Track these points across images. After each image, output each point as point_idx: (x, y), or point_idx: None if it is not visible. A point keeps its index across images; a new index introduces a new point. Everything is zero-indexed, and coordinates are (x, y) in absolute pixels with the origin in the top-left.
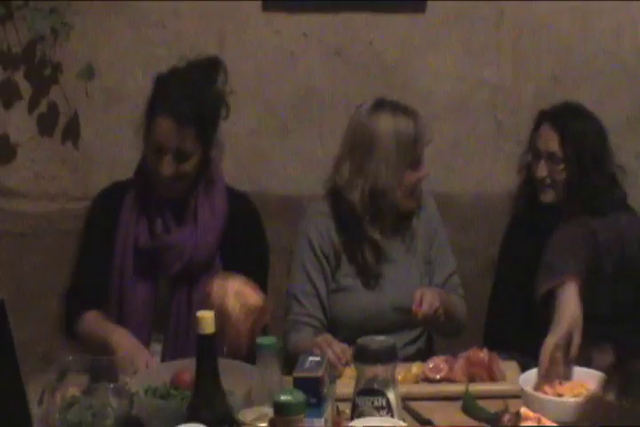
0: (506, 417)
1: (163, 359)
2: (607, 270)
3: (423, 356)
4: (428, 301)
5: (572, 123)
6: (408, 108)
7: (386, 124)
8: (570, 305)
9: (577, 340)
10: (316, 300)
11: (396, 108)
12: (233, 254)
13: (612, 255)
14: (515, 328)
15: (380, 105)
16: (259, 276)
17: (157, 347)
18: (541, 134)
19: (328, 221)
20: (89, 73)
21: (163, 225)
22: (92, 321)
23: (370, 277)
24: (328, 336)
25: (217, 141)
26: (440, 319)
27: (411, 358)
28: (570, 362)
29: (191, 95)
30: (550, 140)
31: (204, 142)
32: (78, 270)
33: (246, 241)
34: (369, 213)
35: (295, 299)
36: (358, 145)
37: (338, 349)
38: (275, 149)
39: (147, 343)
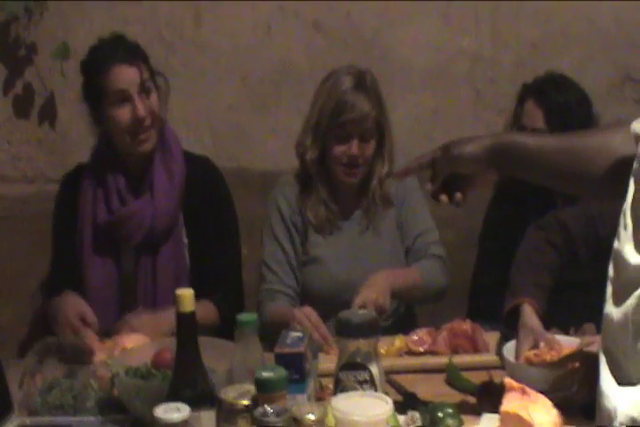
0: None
1: None
2: (584, 257)
3: (404, 328)
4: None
5: (556, 97)
6: (365, 82)
7: (329, 80)
8: (526, 324)
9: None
10: (289, 268)
11: (351, 72)
12: (196, 218)
13: (588, 242)
14: (499, 299)
15: (345, 68)
16: (226, 237)
17: None
18: (526, 111)
19: (295, 190)
20: (64, 53)
21: (120, 198)
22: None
23: (336, 246)
24: (310, 312)
25: (162, 89)
26: (385, 307)
27: (391, 331)
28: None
29: (124, 45)
30: (536, 117)
31: (153, 79)
32: (51, 259)
33: (209, 204)
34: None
35: (268, 268)
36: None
37: (323, 329)
38: (253, 124)
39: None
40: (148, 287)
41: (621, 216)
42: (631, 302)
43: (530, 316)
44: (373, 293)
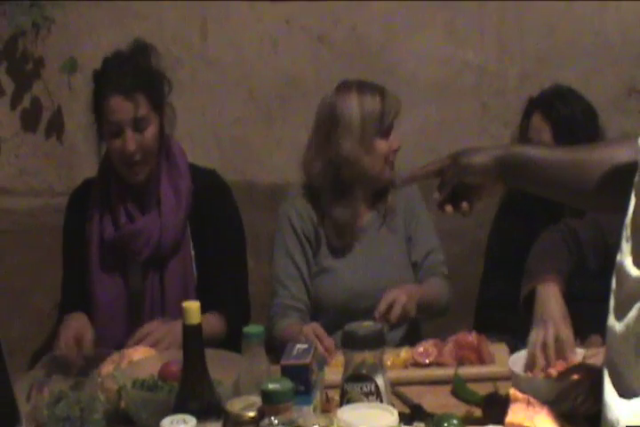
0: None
1: None
2: (593, 266)
3: (411, 339)
4: (397, 307)
5: (563, 110)
6: (373, 85)
7: (351, 103)
8: (549, 303)
9: (564, 333)
10: (301, 282)
11: (362, 86)
12: (203, 231)
13: (597, 250)
14: (505, 311)
15: (346, 85)
16: (233, 249)
17: None
18: (533, 124)
19: (307, 203)
20: (71, 67)
21: (127, 214)
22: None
23: (348, 256)
24: (316, 326)
25: (169, 116)
26: (410, 315)
27: (398, 342)
28: (564, 354)
29: (130, 70)
30: (542, 131)
31: (157, 110)
32: (63, 277)
33: (215, 216)
34: (332, 187)
35: (279, 282)
36: (322, 123)
37: (327, 342)
38: (260, 137)
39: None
40: (156, 302)
41: (623, 229)
42: (633, 314)
43: (549, 299)
44: (405, 295)
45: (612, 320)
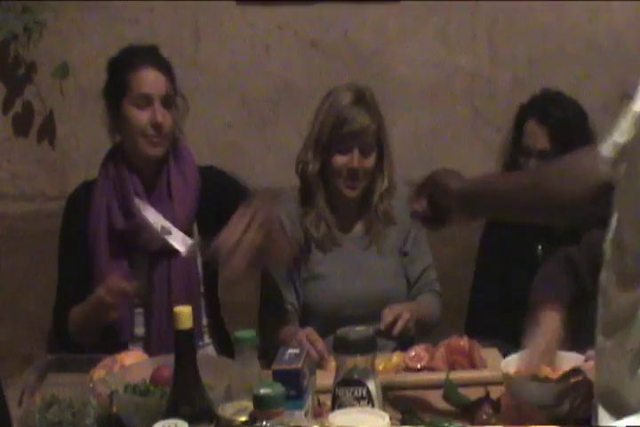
0: (485, 407)
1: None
2: (589, 285)
3: (403, 344)
4: (401, 324)
5: (556, 114)
6: (364, 98)
7: (329, 97)
8: (549, 325)
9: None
10: (290, 284)
11: (347, 89)
12: (210, 224)
13: (591, 270)
14: (496, 316)
15: (340, 86)
16: None
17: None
18: (528, 131)
19: (298, 207)
20: (63, 71)
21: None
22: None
23: (339, 263)
24: (310, 331)
25: (182, 109)
26: (410, 332)
27: (389, 347)
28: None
29: (156, 53)
30: (539, 137)
31: (175, 100)
32: (61, 280)
33: (223, 209)
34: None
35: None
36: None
37: (320, 345)
38: (252, 142)
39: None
40: (165, 299)
41: (604, 245)
42: (624, 331)
43: (544, 326)
44: (408, 313)
45: (600, 339)
